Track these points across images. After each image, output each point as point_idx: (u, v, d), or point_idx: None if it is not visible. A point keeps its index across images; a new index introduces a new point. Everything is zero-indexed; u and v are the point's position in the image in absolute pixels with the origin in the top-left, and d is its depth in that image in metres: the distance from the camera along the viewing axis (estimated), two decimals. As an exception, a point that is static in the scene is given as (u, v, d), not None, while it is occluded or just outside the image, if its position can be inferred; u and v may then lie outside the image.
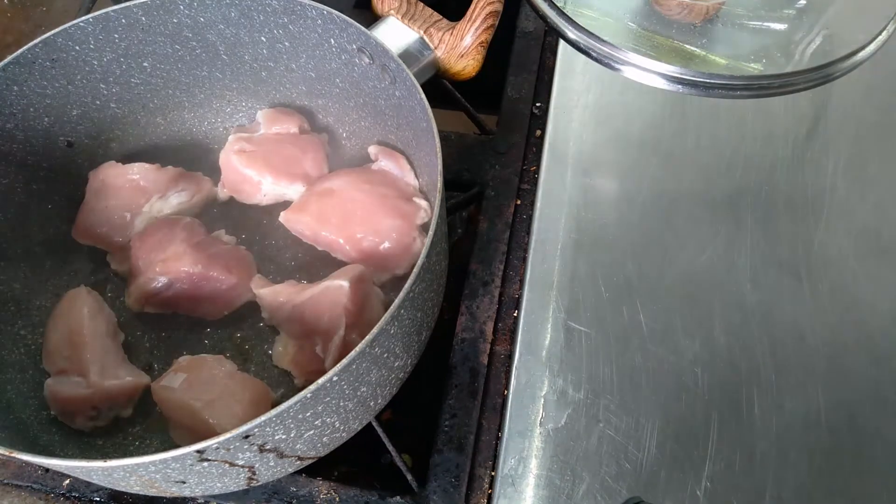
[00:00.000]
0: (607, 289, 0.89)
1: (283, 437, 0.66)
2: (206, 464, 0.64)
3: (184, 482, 0.69)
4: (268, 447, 0.66)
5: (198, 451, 0.61)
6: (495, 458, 0.82)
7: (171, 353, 0.90)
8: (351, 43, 0.86)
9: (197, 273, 0.87)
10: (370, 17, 0.92)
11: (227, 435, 0.60)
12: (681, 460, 0.79)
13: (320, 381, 0.62)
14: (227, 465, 0.66)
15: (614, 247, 0.92)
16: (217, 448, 0.62)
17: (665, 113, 1.01)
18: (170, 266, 0.87)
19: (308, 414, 0.66)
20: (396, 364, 0.74)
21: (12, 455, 0.63)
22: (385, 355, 0.70)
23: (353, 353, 0.63)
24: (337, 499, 0.83)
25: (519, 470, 0.80)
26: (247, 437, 0.62)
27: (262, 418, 0.61)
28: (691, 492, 0.78)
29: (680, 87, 0.88)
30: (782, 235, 0.91)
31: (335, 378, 0.63)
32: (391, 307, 0.65)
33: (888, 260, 0.89)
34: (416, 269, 0.67)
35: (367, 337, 0.64)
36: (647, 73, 0.89)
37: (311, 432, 0.69)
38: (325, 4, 0.85)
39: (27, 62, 0.85)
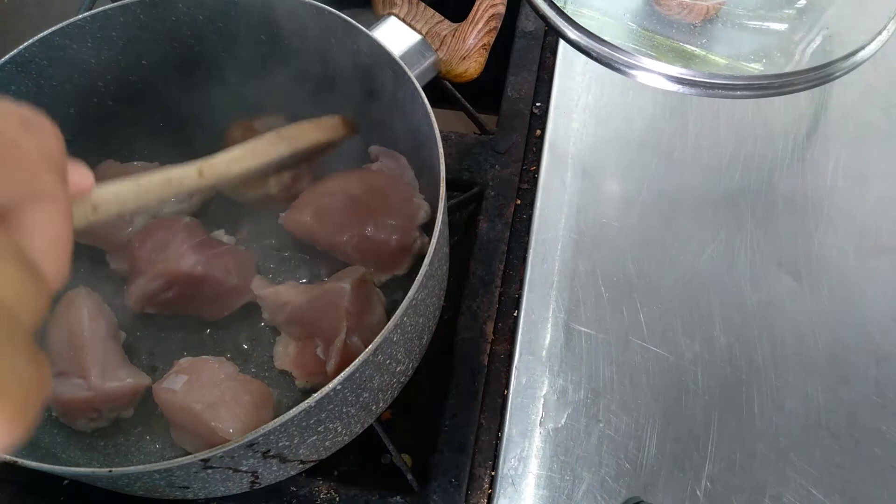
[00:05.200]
0: (607, 289, 0.89)
1: (287, 443, 0.66)
2: (210, 471, 0.65)
3: (187, 487, 0.69)
4: (271, 453, 0.66)
5: (203, 460, 0.61)
6: (495, 458, 0.82)
7: (171, 353, 0.90)
8: (351, 43, 0.86)
9: (197, 274, 0.87)
10: (371, 18, 0.92)
11: (232, 444, 0.60)
12: (681, 460, 0.80)
13: (324, 389, 0.62)
14: (230, 472, 0.67)
15: (614, 247, 0.92)
16: (222, 456, 0.62)
17: (665, 113, 1.01)
18: (170, 267, 0.87)
19: (312, 421, 0.66)
20: (398, 369, 0.74)
21: (17, 462, 0.63)
22: (388, 361, 0.70)
23: (356, 361, 0.63)
24: (337, 499, 0.83)
25: (519, 470, 0.80)
26: (251, 445, 0.62)
27: (267, 427, 0.61)
28: (691, 492, 0.78)
29: (680, 87, 0.88)
30: (782, 235, 0.92)
31: (339, 386, 0.63)
32: (394, 316, 0.65)
33: (888, 260, 0.90)
34: (418, 278, 0.67)
35: (371, 346, 0.64)
36: (648, 72, 0.88)
37: (314, 438, 0.69)
38: (325, 4, 0.85)
39: (24, 61, 0.85)
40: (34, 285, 0.33)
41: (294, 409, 0.61)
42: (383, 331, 0.64)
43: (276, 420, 0.61)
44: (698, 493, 0.78)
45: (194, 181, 0.65)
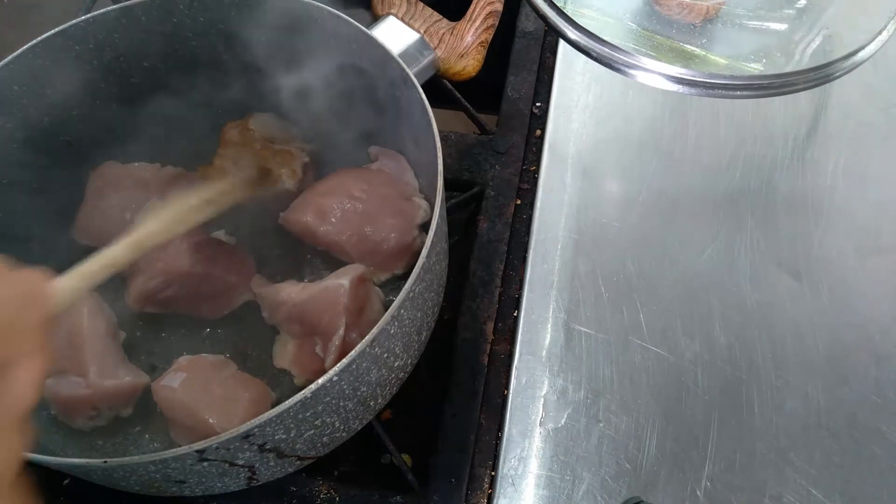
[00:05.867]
0: (607, 289, 0.89)
1: (284, 436, 0.66)
2: (205, 463, 0.64)
3: (183, 482, 0.69)
4: (268, 447, 0.66)
5: (198, 451, 0.61)
6: (495, 458, 0.82)
7: (170, 352, 0.89)
8: (351, 43, 0.86)
9: (197, 273, 0.87)
10: (370, 17, 0.92)
11: (228, 435, 0.60)
12: (681, 460, 0.79)
13: (320, 380, 0.62)
14: (226, 465, 0.66)
15: (614, 247, 0.92)
16: (217, 448, 0.62)
17: (665, 113, 1.02)
18: (170, 266, 0.87)
19: (308, 414, 0.66)
20: (396, 364, 0.74)
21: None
22: (385, 355, 0.70)
23: (353, 352, 0.63)
24: (337, 499, 0.83)
25: (519, 470, 0.80)
26: (247, 436, 0.62)
27: (263, 418, 0.61)
28: (691, 492, 0.78)
29: (680, 87, 0.88)
30: (782, 235, 0.92)
31: (335, 378, 0.63)
32: (391, 307, 0.65)
33: (888, 260, 0.90)
34: (416, 270, 0.67)
35: (367, 337, 0.64)
36: (648, 72, 0.89)
37: (311, 432, 0.69)
38: (325, 4, 0.85)
39: (27, 62, 0.85)
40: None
41: (290, 400, 0.61)
42: (380, 321, 0.64)
43: (271, 411, 0.61)
44: (698, 493, 0.78)
45: (129, 256, 0.72)
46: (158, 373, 0.87)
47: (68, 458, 0.63)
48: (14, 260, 0.83)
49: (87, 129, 0.94)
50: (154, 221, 0.75)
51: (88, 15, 0.87)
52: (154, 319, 0.91)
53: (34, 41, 0.85)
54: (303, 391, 0.62)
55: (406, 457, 0.87)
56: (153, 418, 0.85)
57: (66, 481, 0.86)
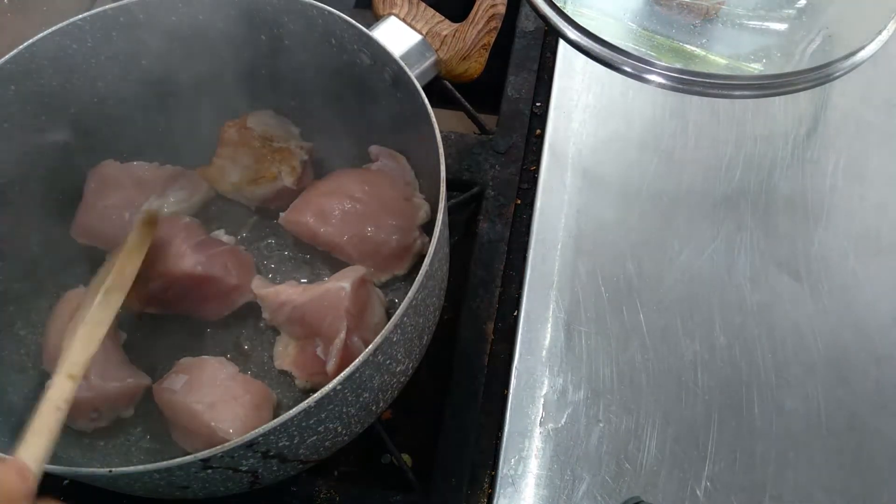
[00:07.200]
0: (607, 289, 0.90)
1: (287, 443, 0.66)
2: (210, 471, 0.64)
3: (187, 487, 0.69)
4: (271, 454, 0.66)
5: (202, 460, 0.61)
6: (495, 458, 0.82)
7: (171, 354, 0.89)
8: (352, 43, 0.86)
9: (197, 274, 0.87)
10: (371, 17, 0.92)
11: (233, 444, 0.60)
12: (681, 460, 0.80)
13: (324, 389, 0.62)
14: (230, 472, 0.66)
15: (614, 247, 0.92)
16: (222, 456, 0.62)
17: (665, 113, 1.02)
18: (170, 267, 0.87)
19: (311, 421, 0.66)
20: (398, 369, 0.74)
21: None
22: (388, 362, 0.70)
23: (356, 362, 0.63)
24: (337, 499, 0.83)
25: (519, 470, 0.80)
26: (251, 445, 0.62)
27: (267, 427, 0.61)
28: (691, 492, 0.78)
29: (680, 87, 0.88)
30: (782, 235, 0.92)
31: (339, 387, 0.63)
32: (394, 316, 0.65)
33: (888, 260, 0.90)
34: (418, 278, 0.67)
35: (371, 346, 0.64)
36: (647, 73, 0.89)
37: (314, 438, 0.69)
38: (325, 4, 0.84)
39: (24, 61, 0.84)
40: None
41: (294, 410, 0.61)
42: (383, 331, 0.64)
43: (275, 420, 0.61)
44: (698, 493, 0.78)
45: (72, 388, 0.66)
46: (159, 373, 0.87)
47: (71, 461, 0.64)
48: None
49: (85, 128, 0.93)
50: (78, 343, 0.71)
51: (86, 14, 0.86)
52: (155, 320, 0.91)
53: (32, 39, 0.84)
54: (306, 400, 0.62)
55: (406, 457, 0.88)
56: (154, 419, 0.85)
57: (65, 482, 0.86)
